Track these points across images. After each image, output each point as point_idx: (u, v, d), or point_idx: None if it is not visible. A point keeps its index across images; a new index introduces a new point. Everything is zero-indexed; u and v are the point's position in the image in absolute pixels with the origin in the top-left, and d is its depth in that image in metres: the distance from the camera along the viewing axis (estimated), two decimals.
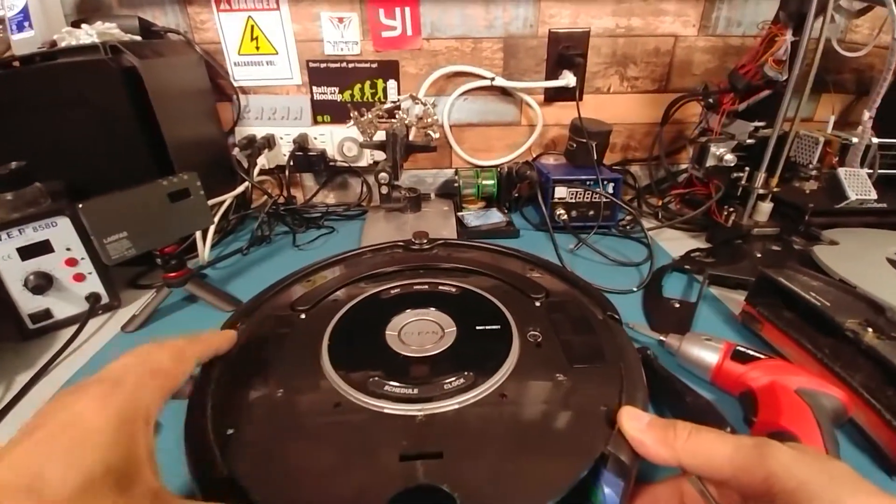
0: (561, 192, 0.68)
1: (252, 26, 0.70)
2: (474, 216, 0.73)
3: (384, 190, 0.68)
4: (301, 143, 0.75)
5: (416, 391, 0.30)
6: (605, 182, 0.68)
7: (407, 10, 0.70)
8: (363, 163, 0.79)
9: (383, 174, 0.66)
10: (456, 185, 0.75)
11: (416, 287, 0.43)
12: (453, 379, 0.31)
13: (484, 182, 0.75)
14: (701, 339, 0.39)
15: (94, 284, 0.52)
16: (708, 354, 0.38)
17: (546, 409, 0.29)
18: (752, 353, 0.37)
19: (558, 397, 0.30)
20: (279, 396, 0.30)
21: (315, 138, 0.77)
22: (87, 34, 0.57)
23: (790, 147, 0.59)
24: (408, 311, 0.38)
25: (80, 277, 0.51)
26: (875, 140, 0.61)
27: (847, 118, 0.79)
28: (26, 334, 0.49)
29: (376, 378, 0.31)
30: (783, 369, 0.35)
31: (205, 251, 0.61)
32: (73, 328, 0.49)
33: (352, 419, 0.29)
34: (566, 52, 0.73)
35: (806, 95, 0.56)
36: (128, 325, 0.51)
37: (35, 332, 0.49)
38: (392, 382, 0.31)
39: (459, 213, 0.74)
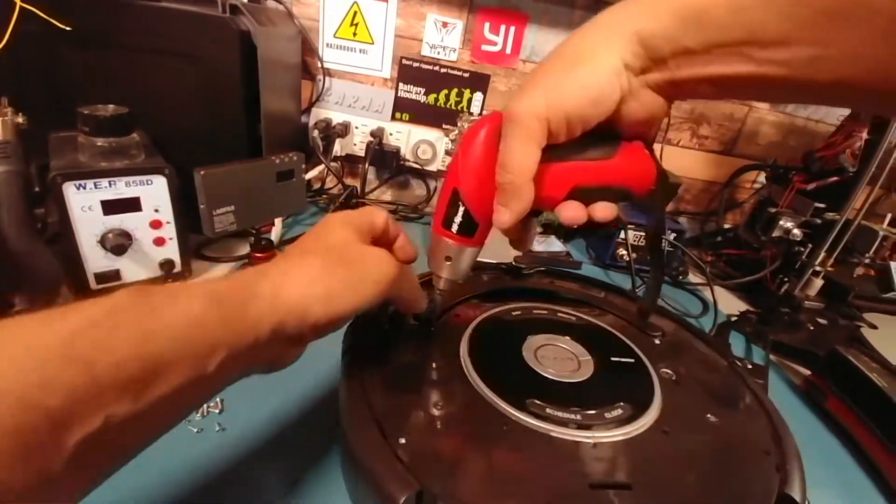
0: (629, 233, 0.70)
1: (356, 12, 0.68)
2: (535, 242, 0.73)
3: None
4: (379, 137, 0.73)
5: (579, 417, 0.30)
6: (670, 231, 0.70)
7: (513, 29, 0.70)
8: (433, 167, 0.78)
9: None
10: None
11: (535, 311, 0.43)
12: (611, 409, 0.31)
13: None
14: None
15: (172, 251, 0.48)
16: None
17: (713, 449, 0.30)
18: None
19: (719, 438, 0.31)
20: (440, 413, 0.30)
21: (391, 134, 0.75)
22: None
23: (851, 234, 0.63)
24: (539, 335, 0.38)
25: (161, 241, 0.47)
26: None
27: (874, 209, 0.86)
28: (85, 294, 0.45)
29: (534, 400, 0.31)
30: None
31: (279, 231, 0.58)
32: None
33: (525, 441, 0.29)
34: None
35: (876, 189, 0.60)
36: None
37: (96, 293, 0.45)
38: (551, 407, 0.30)
39: None
